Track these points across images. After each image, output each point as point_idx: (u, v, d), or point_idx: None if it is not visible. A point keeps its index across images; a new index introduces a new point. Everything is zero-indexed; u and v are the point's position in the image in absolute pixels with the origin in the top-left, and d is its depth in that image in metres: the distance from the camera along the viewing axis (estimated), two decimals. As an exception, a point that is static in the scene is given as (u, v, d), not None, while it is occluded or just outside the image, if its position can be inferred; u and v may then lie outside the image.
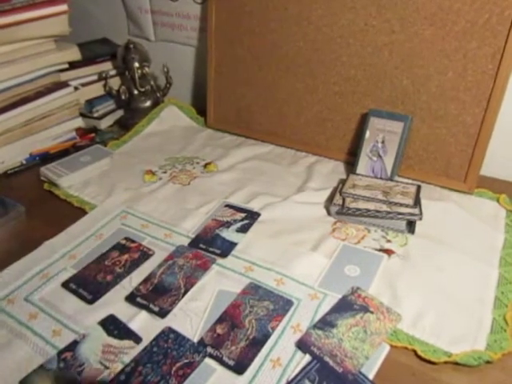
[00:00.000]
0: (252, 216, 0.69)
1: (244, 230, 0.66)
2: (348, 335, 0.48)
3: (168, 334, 0.50)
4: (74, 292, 0.56)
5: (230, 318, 0.51)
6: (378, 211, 0.65)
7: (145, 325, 0.52)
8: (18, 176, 0.85)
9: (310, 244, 0.63)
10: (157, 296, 0.55)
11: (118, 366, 0.47)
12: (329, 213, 0.70)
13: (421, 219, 0.64)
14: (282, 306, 0.53)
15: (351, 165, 0.80)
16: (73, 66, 0.96)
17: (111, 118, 1.04)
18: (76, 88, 0.96)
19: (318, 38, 0.80)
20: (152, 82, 1.03)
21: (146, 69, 1.01)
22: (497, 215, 0.69)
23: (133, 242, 0.64)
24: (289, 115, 0.88)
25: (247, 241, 0.64)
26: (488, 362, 0.46)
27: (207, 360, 0.47)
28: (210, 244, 0.63)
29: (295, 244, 0.63)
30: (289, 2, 0.81)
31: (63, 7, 0.90)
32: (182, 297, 0.55)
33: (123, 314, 0.53)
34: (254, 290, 0.55)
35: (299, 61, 0.83)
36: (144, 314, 0.53)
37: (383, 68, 0.76)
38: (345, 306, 0.52)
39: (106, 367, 0.46)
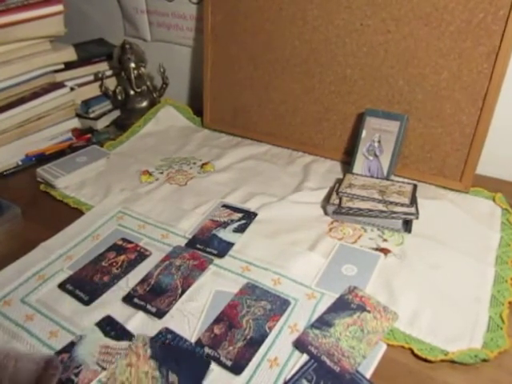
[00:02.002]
0: (249, 216, 0.69)
1: (241, 230, 0.66)
2: (345, 334, 0.49)
3: (165, 334, 0.50)
4: (71, 293, 0.56)
5: (227, 319, 0.52)
6: (374, 210, 0.65)
7: (142, 326, 0.51)
8: (14, 177, 0.85)
9: (306, 244, 0.63)
10: (154, 297, 0.55)
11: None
12: (325, 212, 0.70)
13: (417, 218, 0.64)
14: (279, 305, 0.53)
15: (348, 164, 0.80)
16: (68, 66, 0.95)
17: (107, 119, 1.04)
18: (72, 88, 0.96)
19: (314, 37, 0.80)
20: (148, 83, 1.03)
21: (142, 69, 1.01)
22: (492, 214, 0.69)
23: (129, 242, 0.64)
24: (285, 115, 0.88)
25: (244, 241, 0.64)
26: (484, 360, 0.47)
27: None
28: (207, 244, 0.63)
29: (292, 244, 0.63)
30: (284, 2, 0.81)
31: (59, 7, 0.90)
32: (179, 297, 0.55)
33: (120, 315, 0.53)
34: (251, 290, 0.55)
35: (295, 60, 0.84)
36: (141, 314, 0.53)
37: (379, 68, 0.76)
38: (342, 306, 0.52)
39: (103, 368, 0.46)
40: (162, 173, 0.83)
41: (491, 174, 0.79)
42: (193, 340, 0.49)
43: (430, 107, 0.74)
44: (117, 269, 0.60)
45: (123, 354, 0.40)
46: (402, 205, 0.64)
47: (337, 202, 0.67)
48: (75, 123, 0.98)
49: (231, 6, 0.87)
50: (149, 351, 0.40)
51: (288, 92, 0.86)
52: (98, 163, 0.84)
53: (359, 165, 0.76)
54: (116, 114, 1.05)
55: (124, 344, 0.49)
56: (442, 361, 0.47)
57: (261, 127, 0.92)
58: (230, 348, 0.48)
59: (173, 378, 0.38)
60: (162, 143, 0.94)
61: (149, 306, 0.53)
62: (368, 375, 0.45)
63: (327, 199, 0.71)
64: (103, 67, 1.05)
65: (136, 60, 1.00)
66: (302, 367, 0.46)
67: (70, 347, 0.49)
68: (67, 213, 0.72)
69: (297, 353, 0.48)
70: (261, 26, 0.85)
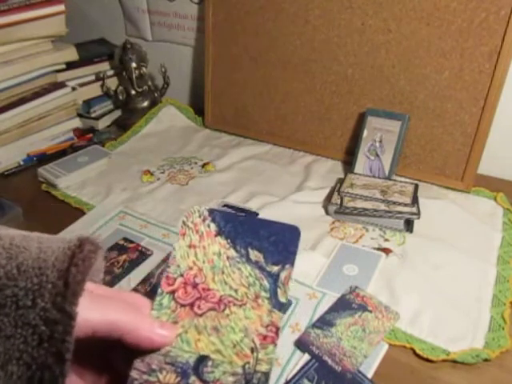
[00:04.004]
0: (250, 216, 0.69)
1: (242, 229, 0.66)
2: (347, 334, 0.49)
3: None
4: (73, 293, 0.56)
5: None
6: (376, 210, 0.65)
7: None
8: (16, 177, 0.85)
9: (308, 243, 0.63)
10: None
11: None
12: (327, 212, 0.70)
13: (419, 218, 0.64)
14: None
15: (349, 164, 0.80)
16: (70, 66, 0.96)
17: (109, 119, 1.04)
18: (73, 88, 0.96)
19: (315, 37, 0.80)
20: (149, 82, 1.03)
21: (144, 69, 1.01)
22: (494, 213, 0.69)
23: (131, 242, 0.64)
24: (286, 115, 0.88)
25: (245, 240, 0.64)
26: (486, 360, 0.47)
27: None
28: (209, 244, 0.63)
29: (293, 243, 0.63)
30: (285, 1, 0.81)
31: (60, 7, 0.90)
32: (181, 297, 0.55)
33: (122, 315, 0.53)
34: (253, 290, 0.55)
35: (296, 60, 0.84)
36: (142, 314, 0.53)
37: (380, 67, 0.76)
38: (343, 305, 0.52)
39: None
40: (163, 172, 0.83)
41: (493, 174, 0.79)
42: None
43: (432, 107, 0.73)
44: (118, 268, 0.60)
45: (178, 237, 0.30)
46: (404, 204, 0.64)
47: (338, 201, 0.67)
48: (76, 123, 0.98)
49: (232, 5, 0.87)
50: (213, 227, 0.29)
51: (289, 92, 0.86)
52: (100, 163, 0.84)
53: (360, 164, 0.76)
54: (117, 113, 1.05)
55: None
56: (444, 361, 0.47)
57: (262, 127, 0.92)
58: (232, 347, 0.48)
59: (255, 255, 0.29)
60: (164, 143, 0.94)
61: (150, 306, 0.53)
62: (369, 375, 0.45)
63: (328, 199, 0.71)
64: (104, 67, 1.05)
65: (137, 60, 1.00)
66: (303, 367, 0.46)
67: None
68: (68, 212, 0.72)
69: (298, 352, 0.48)
70: (262, 25, 0.85)
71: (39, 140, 0.91)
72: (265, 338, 0.27)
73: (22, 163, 0.88)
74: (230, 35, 0.89)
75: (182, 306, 0.28)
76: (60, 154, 0.89)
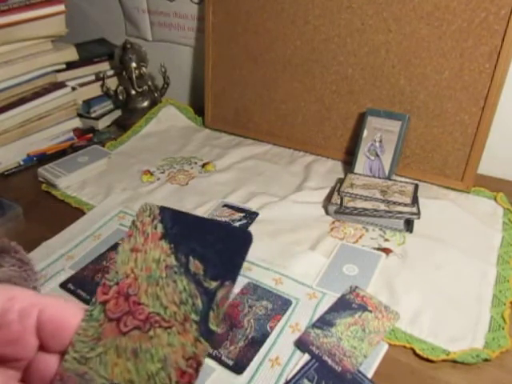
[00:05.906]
0: (250, 216, 0.69)
1: (242, 229, 0.66)
2: (347, 334, 0.49)
3: None
4: (73, 293, 0.56)
5: (228, 318, 0.52)
6: (376, 210, 0.65)
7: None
8: (16, 177, 0.85)
9: (308, 243, 0.63)
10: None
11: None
12: (327, 212, 0.70)
13: (419, 218, 0.64)
14: (281, 305, 0.53)
15: (349, 164, 0.80)
16: (70, 66, 0.96)
17: (109, 119, 1.04)
18: (73, 88, 0.96)
19: (315, 37, 0.80)
20: (149, 82, 1.03)
21: (144, 69, 1.01)
22: (494, 213, 0.69)
23: (131, 242, 0.64)
24: (286, 115, 0.88)
25: (245, 240, 0.64)
26: (486, 360, 0.47)
27: (206, 360, 0.47)
28: (209, 244, 0.63)
29: (293, 243, 0.63)
30: (285, 1, 0.81)
31: (60, 7, 0.90)
32: (181, 297, 0.54)
33: (122, 315, 0.53)
34: (253, 290, 0.55)
35: (296, 60, 0.84)
36: (142, 314, 0.53)
37: (380, 67, 0.76)
38: (343, 305, 0.52)
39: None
40: (163, 172, 0.83)
41: (493, 174, 0.79)
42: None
43: (432, 107, 0.73)
44: (118, 268, 0.60)
45: (126, 236, 0.27)
46: (404, 204, 0.64)
47: (338, 201, 0.67)
48: (76, 123, 0.98)
49: (232, 5, 0.87)
50: (159, 228, 0.27)
51: (289, 92, 0.86)
52: (100, 163, 0.84)
53: (360, 164, 0.76)
54: (117, 113, 1.05)
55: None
56: (444, 361, 0.47)
57: (262, 127, 0.92)
58: (232, 347, 0.48)
59: (195, 265, 0.26)
60: (163, 143, 0.94)
61: (150, 306, 0.53)
62: (369, 375, 0.45)
63: (328, 199, 0.71)
64: (104, 67, 1.05)
65: (137, 60, 1.00)
66: (303, 367, 0.46)
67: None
68: (69, 212, 0.72)
69: (298, 352, 0.48)
70: (262, 25, 0.85)
71: (39, 140, 0.91)
72: (182, 375, 0.24)
73: (22, 163, 0.88)
74: (230, 35, 0.89)
75: (110, 320, 0.26)
76: (60, 154, 0.89)
